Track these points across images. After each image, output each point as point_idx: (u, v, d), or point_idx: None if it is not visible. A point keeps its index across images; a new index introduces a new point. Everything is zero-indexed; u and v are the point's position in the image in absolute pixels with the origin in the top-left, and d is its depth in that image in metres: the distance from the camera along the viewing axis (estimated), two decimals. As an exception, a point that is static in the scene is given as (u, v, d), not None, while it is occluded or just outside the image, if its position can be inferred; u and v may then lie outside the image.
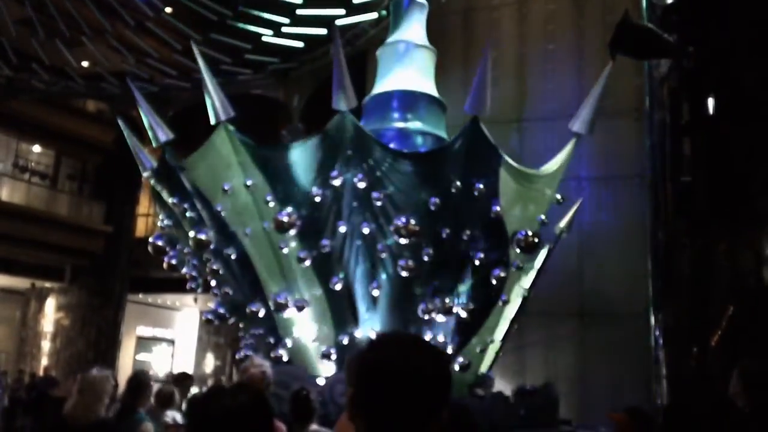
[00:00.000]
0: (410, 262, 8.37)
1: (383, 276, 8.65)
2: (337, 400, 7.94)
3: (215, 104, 8.70)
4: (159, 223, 9.99)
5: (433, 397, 1.61)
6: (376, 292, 8.65)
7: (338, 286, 8.65)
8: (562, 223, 11.14)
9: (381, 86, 11.16)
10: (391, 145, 9.41)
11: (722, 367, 10.55)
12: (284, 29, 15.82)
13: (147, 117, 9.16)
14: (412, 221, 8.13)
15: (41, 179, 24.93)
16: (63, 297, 24.48)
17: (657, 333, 12.58)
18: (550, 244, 10.95)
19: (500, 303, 9.41)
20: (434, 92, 11.19)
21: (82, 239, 23.83)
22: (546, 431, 9.71)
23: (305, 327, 9.09)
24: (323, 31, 15.78)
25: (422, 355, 1.64)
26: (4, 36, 16.36)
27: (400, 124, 10.57)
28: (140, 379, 6.15)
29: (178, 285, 10.07)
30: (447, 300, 8.61)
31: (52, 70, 17.68)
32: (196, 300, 23.00)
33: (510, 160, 9.07)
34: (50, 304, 24.70)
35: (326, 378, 8.58)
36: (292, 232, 8.47)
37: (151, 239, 9.73)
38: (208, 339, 27.17)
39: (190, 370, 24.94)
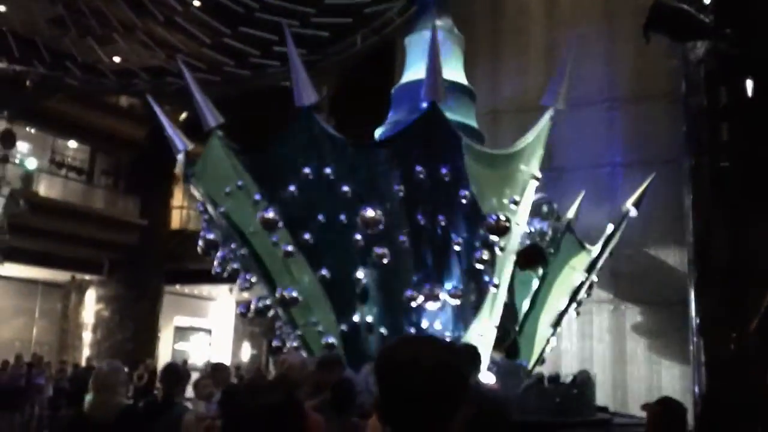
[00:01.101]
0: (385, 251, 8.39)
1: (367, 265, 8.70)
2: (372, 389, 7.98)
3: (204, 113, 8.92)
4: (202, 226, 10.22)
5: (447, 394, 1.64)
6: (363, 281, 8.74)
7: (327, 277, 8.78)
8: (629, 203, 11.05)
9: (409, 75, 11.10)
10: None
11: (762, 353, 10.40)
12: (311, 20, 15.84)
13: (166, 126, 9.44)
14: (374, 212, 8.15)
15: (77, 174, 25.33)
16: (102, 289, 24.90)
17: (695, 320, 12.42)
18: (615, 223, 10.90)
19: (491, 288, 9.22)
20: (463, 80, 11.11)
21: (118, 233, 24.20)
22: (582, 420, 9.63)
23: (311, 317, 9.29)
24: (350, 20, 15.79)
25: (434, 353, 1.67)
26: (38, 35, 16.62)
27: (430, 113, 10.50)
28: (175, 369, 6.20)
29: (213, 275, 10.22)
30: (433, 287, 8.58)
31: (84, 68, 17.93)
32: (231, 290, 23.21)
33: (472, 144, 8.87)
34: (90, 296, 25.14)
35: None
36: (279, 226, 8.62)
37: (201, 233, 9.92)
38: (244, 328, 27.45)
39: (227, 359, 25.33)
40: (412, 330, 8.72)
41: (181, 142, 9.52)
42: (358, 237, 8.47)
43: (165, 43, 16.61)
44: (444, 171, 8.36)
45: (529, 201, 9.42)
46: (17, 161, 22.49)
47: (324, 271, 8.80)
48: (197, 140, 9.76)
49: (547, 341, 10.90)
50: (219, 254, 9.85)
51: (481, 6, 16.24)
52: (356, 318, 9.01)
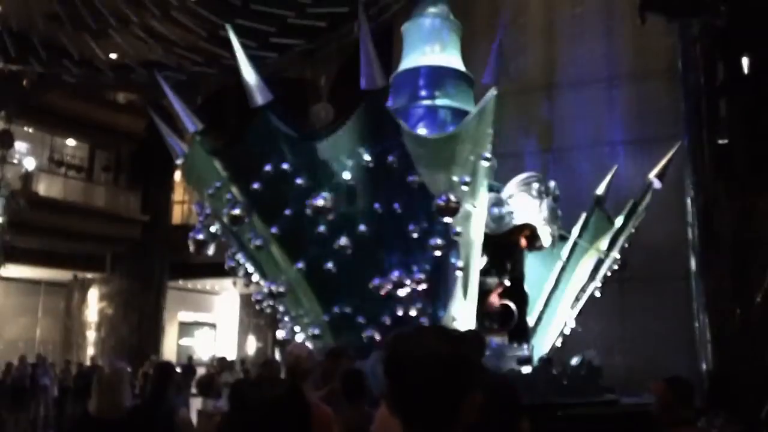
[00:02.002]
0: (342, 241, 8.46)
1: (336, 256, 8.76)
2: (379, 375, 7.98)
3: (184, 119, 9.14)
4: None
5: (453, 381, 1.65)
6: (335, 272, 8.83)
7: (306, 269, 8.88)
8: (652, 174, 11.03)
9: (407, 62, 11.10)
10: (419, 129, 9.43)
11: (766, 330, 10.42)
12: (308, 10, 15.78)
13: (164, 134, 9.72)
14: (323, 200, 8.22)
15: (77, 172, 25.30)
16: (105, 286, 24.90)
17: (699, 296, 12.44)
18: (636, 198, 10.87)
19: (457, 271, 9.20)
20: (460, 66, 11.09)
21: (120, 229, 24.19)
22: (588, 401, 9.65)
23: (300, 309, 9.41)
24: (346, 9, 15.72)
25: (439, 342, 1.69)
26: (33, 32, 16.56)
27: (428, 102, 10.50)
28: (165, 367, 6.19)
29: (216, 269, 10.33)
30: (399, 274, 8.61)
31: (81, 64, 17.88)
32: (235, 283, 23.27)
33: (408, 128, 8.80)
34: (93, 294, 25.14)
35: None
36: (246, 221, 8.79)
37: (190, 234, 10.04)
38: (249, 321, 27.48)
39: (233, 353, 25.38)
40: (388, 318, 8.78)
41: (179, 147, 9.71)
42: (322, 228, 8.55)
43: (161, 37, 16.56)
44: (391, 158, 8.38)
45: (485, 182, 9.25)
46: (15, 161, 22.47)
47: (300, 264, 8.93)
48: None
49: (566, 323, 10.91)
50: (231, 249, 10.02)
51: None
52: (337, 308, 9.12)
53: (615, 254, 11.05)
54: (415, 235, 8.60)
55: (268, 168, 8.50)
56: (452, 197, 8.38)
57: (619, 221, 10.90)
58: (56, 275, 24.78)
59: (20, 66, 18.01)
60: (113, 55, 17.99)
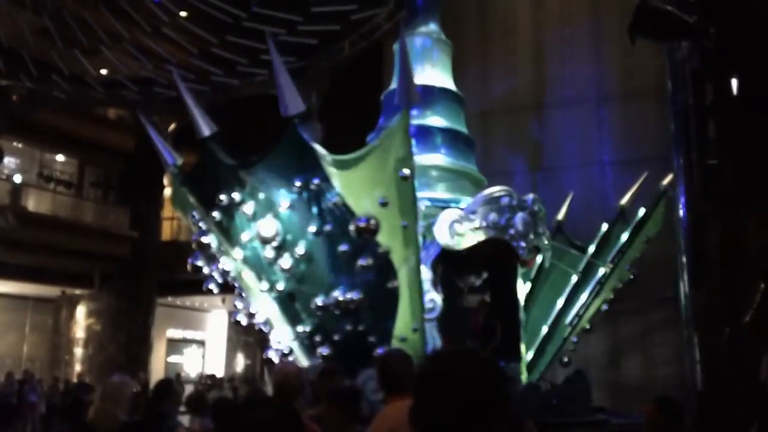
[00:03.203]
0: (282, 263, 8.52)
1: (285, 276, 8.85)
2: (369, 397, 7.95)
3: (163, 153, 9.20)
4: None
5: (485, 408, 1.65)
6: (288, 291, 8.90)
7: (266, 290, 8.97)
8: (665, 182, 11.14)
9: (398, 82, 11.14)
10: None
11: (756, 349, 10.43)
12: (299, 27, 15.86)
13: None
14: (270, 228, 8.32)
15: (66, 188, 25.23)
16: (93, 303, 24.74)
17: (688, 315, 12.45)
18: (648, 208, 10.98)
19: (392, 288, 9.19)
20: (451, 86, 11.15)
21: (109, 245, 24.07)
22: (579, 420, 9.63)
23: (273, 328, 9.48)
24: (337, 27, 15.82)
25: (474, 367, 1.69)
26: (24, 48, 16.55)
27: (418, 121, 10.52)
28: (168, 384, 6.16)
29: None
30: (338, 293, 8.64)
31: (72, 80, 17.88)
32: (224, 301, 23.20)
33: (322, 151, 8.82)
34: (81, 310, 24.96)
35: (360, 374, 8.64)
36: (212, 248, 8.89)
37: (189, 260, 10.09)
38: (238, 339, 27.35)
39: (221, 371, 25.24)
40: (337, 336, 8.81)
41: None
42: (269, 253, 8.60)
43: (153, 53, 16.59)
44: (316, 181, 8.45)
45: (410, 200, 9.20)
46: (4, 176, 22.41)
47: (263, 285, 9.00)
48: (188, 150, 9.88)
49: (564, 340, 10.88)
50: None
51: (469, 7, 16.32)
52: (299, 327, 9.15)
53: (625, 267, 11.10)
54: (345, 255, 8.65)
55: (222, 197, 8.61)
56: (371, 219, 8.35)
57: (625, 235, 10.96)
58: (44, 291, 24.62)
59: (10, 81, 18.01)
60: (104, 72, 18.00)
